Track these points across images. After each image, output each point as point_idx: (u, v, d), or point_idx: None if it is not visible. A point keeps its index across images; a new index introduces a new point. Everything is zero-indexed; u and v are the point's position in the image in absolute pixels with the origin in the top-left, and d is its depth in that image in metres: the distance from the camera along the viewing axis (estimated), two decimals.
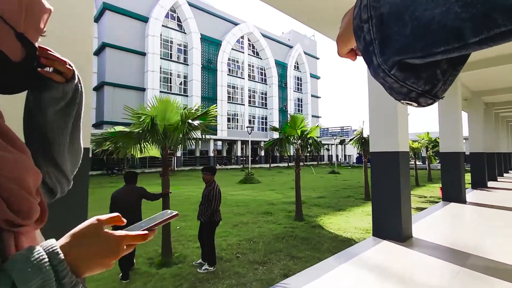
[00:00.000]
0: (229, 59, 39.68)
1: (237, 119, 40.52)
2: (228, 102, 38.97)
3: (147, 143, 4.73)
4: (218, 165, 31.49)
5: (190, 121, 4.34)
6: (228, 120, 39.09)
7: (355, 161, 45.70)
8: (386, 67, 0.31)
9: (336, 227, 6.51)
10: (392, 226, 3.70)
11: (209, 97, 36.23)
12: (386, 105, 3.88)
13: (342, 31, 0.38)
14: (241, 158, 34.69)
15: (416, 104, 0.34)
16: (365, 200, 9.96)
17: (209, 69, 36.63)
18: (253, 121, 42.32)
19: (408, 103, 0.34)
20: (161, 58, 32.24)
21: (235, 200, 10.52)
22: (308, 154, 45.79)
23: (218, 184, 4.37)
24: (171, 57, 33.79)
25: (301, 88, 49.49)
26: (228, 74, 39.19)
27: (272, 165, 35.42)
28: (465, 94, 9.57)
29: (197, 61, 34.65)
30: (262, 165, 35.02)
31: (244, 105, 41.36)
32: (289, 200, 9.97)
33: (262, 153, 39.54)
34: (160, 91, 31.37)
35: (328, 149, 48.57)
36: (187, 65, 34.98)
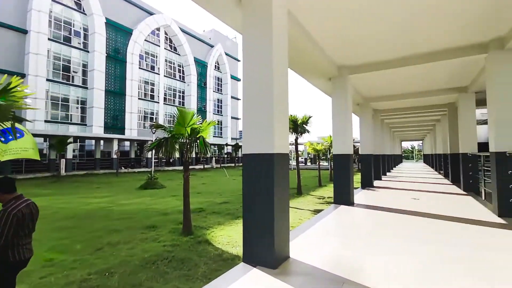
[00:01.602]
0: (141, 51, 35.92)
1: (150, 117, 37.02)
2: (140, 99, 35.19)
3: None
4: (123, 168, 27.72)
5: None
6: (140, 118, 35.30)
7: None
8: None
9: (226, 240, 5.67)
10: (264, 248, 2.96)
11: (116, 92, 31.88)
12: (263, 101, 3.15)
13: None
14: (153, 161, 31.53)
15: None
16: None
17: (116, 59, 32.26)
18: (170, 120, 39.36)
19: None
20: (49, 39, 26.60)
21: (121, 211, 8.73)
22: (225, 156, 45.40)
23: (30, 202, 2.85)
24: (65, 40, 28.27)
25: (221, 89, 48.82)
26: (140, 68, 35.42)
27: (196, 167, 33.42)
28: (358, 99, 10.19)
29: (100, 48, 29.99)
30: (175, 168, 32.60)
31: (158, 102, 38.13)
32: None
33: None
34: (48, 79, 25.86)
35: None
36: (88, 52, 29.95)
